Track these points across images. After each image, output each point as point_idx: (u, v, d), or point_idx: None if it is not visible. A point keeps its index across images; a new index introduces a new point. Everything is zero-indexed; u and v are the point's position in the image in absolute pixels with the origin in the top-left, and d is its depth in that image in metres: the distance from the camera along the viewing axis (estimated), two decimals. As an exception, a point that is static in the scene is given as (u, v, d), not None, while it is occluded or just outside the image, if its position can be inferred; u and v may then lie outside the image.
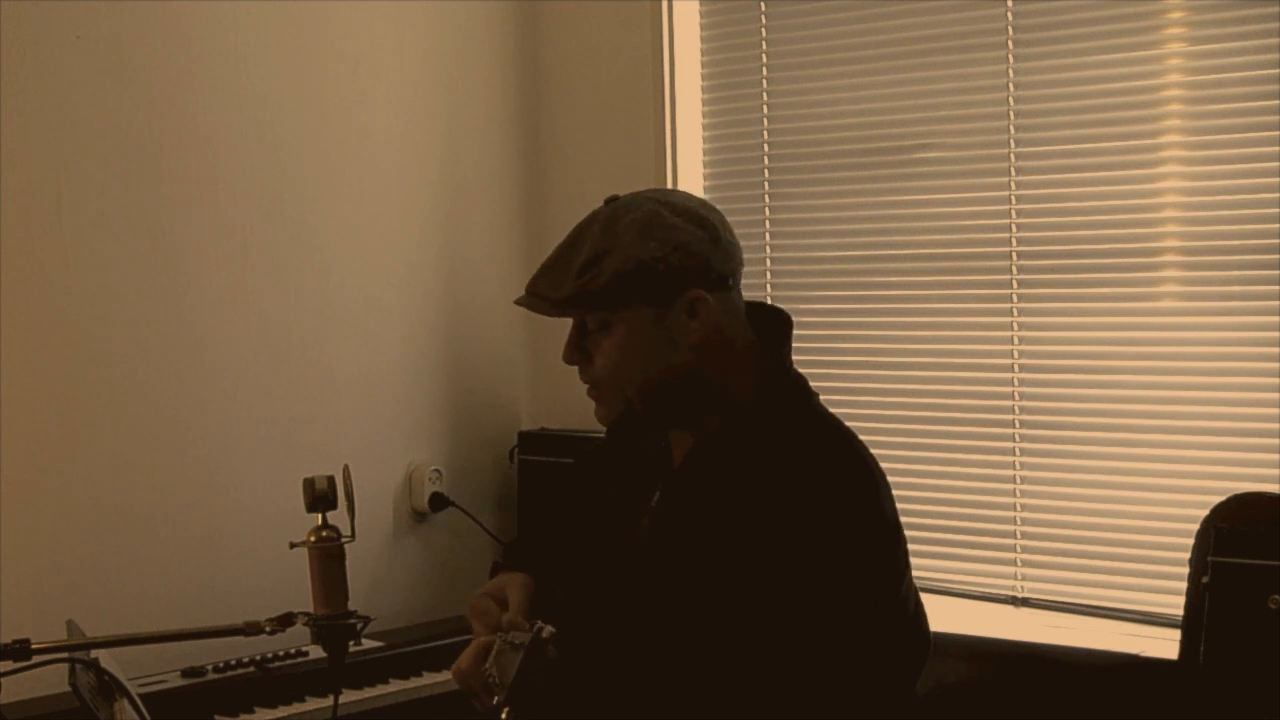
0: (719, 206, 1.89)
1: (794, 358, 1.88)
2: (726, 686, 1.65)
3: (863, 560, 1.70)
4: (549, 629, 1.63)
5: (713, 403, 1.81)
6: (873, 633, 1.70)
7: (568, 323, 1.86)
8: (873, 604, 1.70)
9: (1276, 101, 2.75)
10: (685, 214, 1.79)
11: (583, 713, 1.70)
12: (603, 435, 2.00)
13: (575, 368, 1.85)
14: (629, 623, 1.77)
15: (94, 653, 1.86)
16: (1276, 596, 2.29)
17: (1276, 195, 2.75)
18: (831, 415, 1.84)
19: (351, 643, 1.85)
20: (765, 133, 3.47)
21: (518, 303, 1.84)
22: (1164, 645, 2.67)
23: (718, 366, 1.80)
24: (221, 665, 2.88)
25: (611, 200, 1.83)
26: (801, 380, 1.86)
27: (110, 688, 1.84)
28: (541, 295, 1.80)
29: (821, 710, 1.65)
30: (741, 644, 1.65)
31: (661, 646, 1.71)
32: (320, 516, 1.85)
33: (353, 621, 1.83)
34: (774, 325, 1.87)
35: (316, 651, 2.79)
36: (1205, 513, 2.49)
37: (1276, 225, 2.76)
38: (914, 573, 1.81)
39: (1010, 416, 3.09)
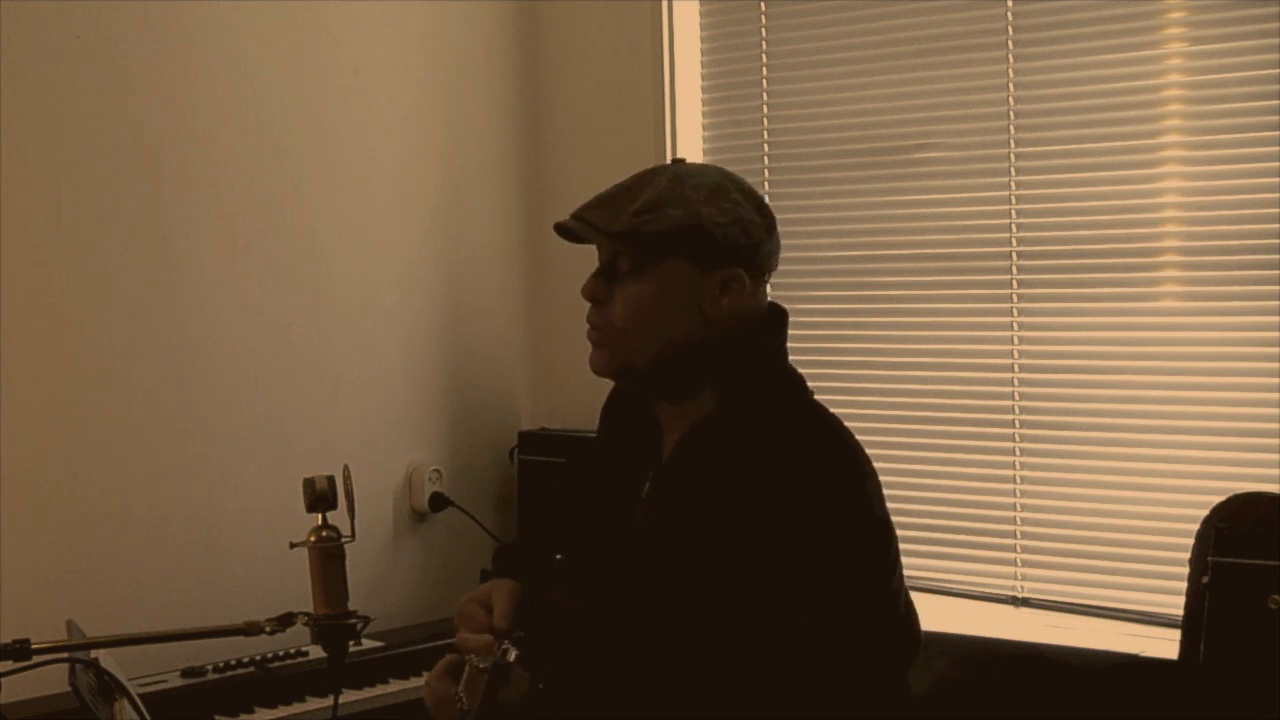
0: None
1: (793, 357, 1.88)
2: (717, 680, 1.65)
3: (852, 553, 1.69)
4: (514, 651, 1.63)
5: (707, 380, 1.80)
6: (862, 626, 1.69)
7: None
8: (862, 597, 1.70)
9: (1276, 101, 2.75)
10: (749, 196, 1.82)
11: (578, 709, 1.70)
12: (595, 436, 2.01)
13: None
14: (621, 616, 1.78)
15: (94, 653, 1.86)
16: (1276, 596, 2.29)
17: (1276, 195, 2.75)
18: (825, 409, 1.83)
19: (351, 643, 1.85)
20: (765, 133, 3.47)
21: (559, 225, 1.82)
22: (1164, 645, 2.67)
23: (725, 349, 1.80)
24: (221, 665, 2.88)
25: (678, 161, 1.86)
26: (797, 375, 1.86)
27: (110, 688, 1.84)
28: (591, 224, 1.79)
29: (812, 704, 1.65)
30: (731, 637, 1.66)
31: (651, 639, 1.71)
32: (320, 516, 1.85)
33: (353, 621, 1.83)
34: (770, 318, 1.87)
35: (316, 651, 2.76)
36: (1205, 513, 2.49)
37: (1276, 225, 2.76)
38: (913, 572, 1.81)
39: (1010, 416, 3.09)
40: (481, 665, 1.62)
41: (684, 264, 1.77)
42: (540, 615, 1.82)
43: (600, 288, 1.81)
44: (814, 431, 1.78)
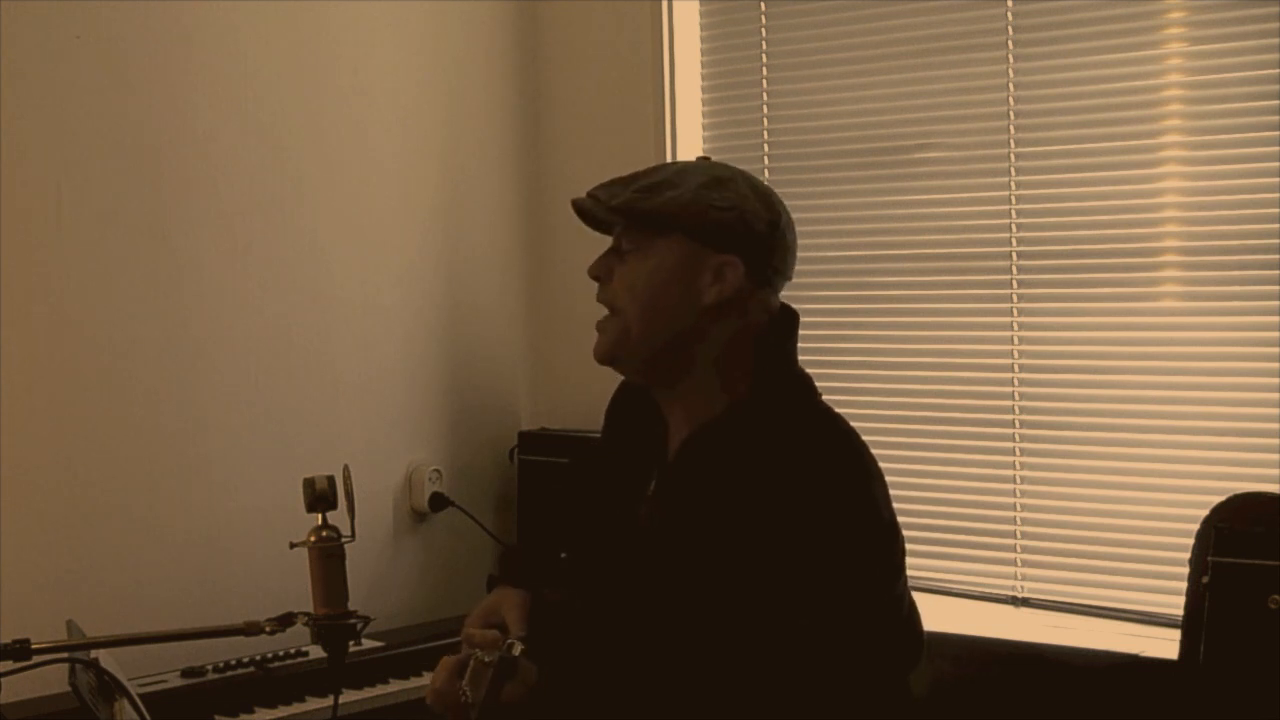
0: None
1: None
2: (719, 680, 1.65)
3: (856, 555, 1.70)
4: (520, 645, 1.64)
5: (713, 379, 1.80)
6: (864, 627, 1.69)
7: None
8: (865, 599, 1.70)
9: (1276, 101, 2.75)
10: (758, 192, 1.86)
11: (581, 707, 1.70)
12: (599, 435, 2.00)
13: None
14: (625, 614, 1.78)
15: (94, 653, 1.86)
16: (1276, 596, 2.29)
17: (1276, 195, 2.75)
18: (833, 411, 1.83)
19: (351, 643, 1.85)
20: (765, 133, 3.47)
21: (574, 201, 1.86)
22: (1164, 645, 2.67)
23: (723, 347, 1.80)
24: (221, 665, 2.88)
25: (702, 159, 1.91)
26: (806, 377, 1.86)
27: (110, 688, 1.84)
28: (596, 198, 1.83)
29: (813, 705, 1.65)
30: (734, 637, 1.66)
31: (655, 637, 1.71)
32: (320, 516, 1.85)
33: (353, 621, 1.83)
34: (780, 320, 1.87)
35: (316, 651, 2.76)
36: (1205, 513, 2.49)
37: (1276, 225, 2.76)
38: (913, 572, 1.81)
39: (1010, 416, 3.09)
40: (487, 659, 1.63)
41: (681, 244, 1.79)
42: (544, 613, 1.82)
43: (604, 266, 1.84)
44: (821, 433, 1.78)
